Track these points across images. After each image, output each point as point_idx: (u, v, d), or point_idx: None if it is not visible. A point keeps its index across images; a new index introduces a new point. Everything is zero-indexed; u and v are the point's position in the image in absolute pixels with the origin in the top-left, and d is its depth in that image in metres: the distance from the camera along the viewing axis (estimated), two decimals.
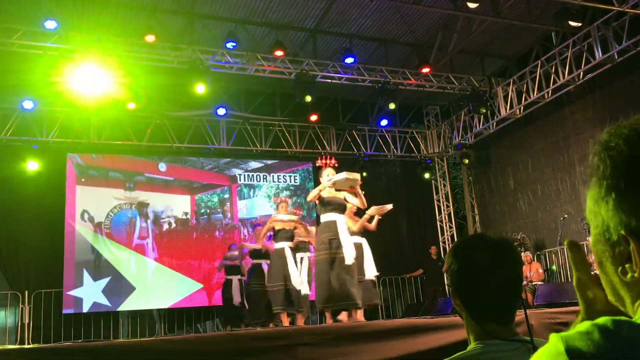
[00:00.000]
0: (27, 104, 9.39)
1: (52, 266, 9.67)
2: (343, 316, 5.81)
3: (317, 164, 6.65)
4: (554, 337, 0.60)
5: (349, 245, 5.55)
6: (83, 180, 10.25)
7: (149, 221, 10.54)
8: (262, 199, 11.53)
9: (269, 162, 11.77)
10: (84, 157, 10.41)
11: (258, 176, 11.61)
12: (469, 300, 1.38)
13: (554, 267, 10.13)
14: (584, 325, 0.60)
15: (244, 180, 11.46)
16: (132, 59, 8.92)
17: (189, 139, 10.90)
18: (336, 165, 6.15)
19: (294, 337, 3.55)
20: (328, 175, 5.75)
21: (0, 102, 9.64)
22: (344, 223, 5.68)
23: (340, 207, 5.76)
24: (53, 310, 9.31)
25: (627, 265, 0.66)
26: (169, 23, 9.02)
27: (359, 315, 5.65)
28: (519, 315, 1.43)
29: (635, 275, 0.66)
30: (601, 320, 0.59)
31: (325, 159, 6.23)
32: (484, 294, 1.36)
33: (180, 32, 9.18)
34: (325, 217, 5.71)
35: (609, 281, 0.71)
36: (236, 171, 11.53)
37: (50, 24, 8.12)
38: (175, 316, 10.24)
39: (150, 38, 8.42)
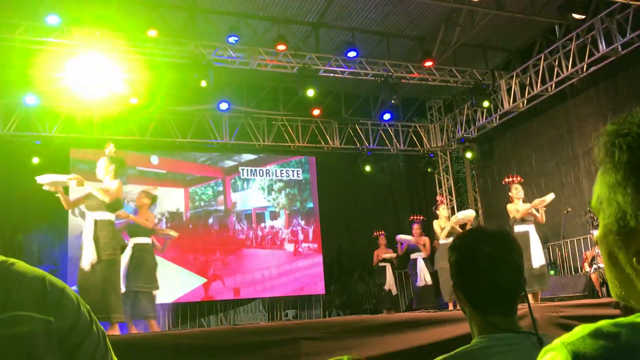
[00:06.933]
0: (30, 100, 9.41)
1: (56, 262, 9.69)
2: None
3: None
4: (556, 349, 0.60)
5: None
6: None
7: None
8: (256, 191, 11.51)
9: (262, 153, 11.73)
10: (73, 151, 10.20)
11: (252, 169, 11.57)
12: (471, 292, 1.38)
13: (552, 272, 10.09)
14: (585, 330, 0.60)
15: (241, 174, 11.43)
16: (134, 53, 8.91)
17: (191, 134, 10.90)
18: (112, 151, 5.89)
19: (297, 332, 3.56)
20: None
21: (3, 98, 9.64)
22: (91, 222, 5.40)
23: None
24: None
25: None
26: (171, 18, 9.01)
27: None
28: (524, 309, 1.42)
29: None
30: (602, 323, 0.60)
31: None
32: (484, 285, 1.36)
33: (182, 26, 9.17)
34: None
35: (621, 273, 0.70)
36: (229, 163, 11.50)
37: (52, 19, 8.12)
38: (179, 310, 10.27)
39: (152, 33, 8.41)
